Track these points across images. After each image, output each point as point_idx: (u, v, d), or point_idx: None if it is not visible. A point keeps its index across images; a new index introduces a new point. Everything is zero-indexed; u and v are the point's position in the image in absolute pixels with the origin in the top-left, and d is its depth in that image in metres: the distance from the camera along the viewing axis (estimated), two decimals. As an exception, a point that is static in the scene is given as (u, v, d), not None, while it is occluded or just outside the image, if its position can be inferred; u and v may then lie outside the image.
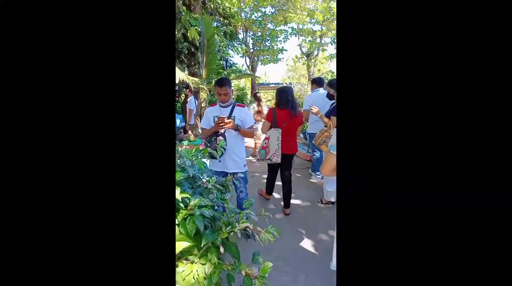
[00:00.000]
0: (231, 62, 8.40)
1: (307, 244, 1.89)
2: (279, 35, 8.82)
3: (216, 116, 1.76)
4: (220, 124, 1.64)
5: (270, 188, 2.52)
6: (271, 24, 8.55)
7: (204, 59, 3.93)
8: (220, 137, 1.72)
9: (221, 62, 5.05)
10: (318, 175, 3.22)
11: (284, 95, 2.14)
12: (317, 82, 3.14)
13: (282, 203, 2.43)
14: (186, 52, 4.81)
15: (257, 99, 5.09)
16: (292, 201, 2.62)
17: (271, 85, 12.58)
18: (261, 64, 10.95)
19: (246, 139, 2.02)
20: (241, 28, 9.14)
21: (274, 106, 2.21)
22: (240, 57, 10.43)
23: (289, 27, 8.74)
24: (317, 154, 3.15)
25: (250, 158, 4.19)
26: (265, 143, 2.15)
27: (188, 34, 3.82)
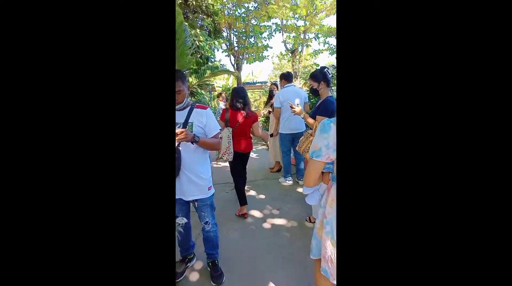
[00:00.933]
0: (212, 60, 7.95)
1: (290, 279, 1.50)
2: (264, 31, 8.43)
3: None
4: None
5: (241, 196, 2.33)
6: (255, 20, 8.14)
7: (176, 56, 3.39)
8: (172, 155, 1.30)
9: (196, 58, 4.48)
10: (289, 180, 3.08)
11: (237, 96, 2.15)
12: (286, 77, 2.95)
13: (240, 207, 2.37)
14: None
15: (222, 100, 4.81)
16: (276, 220, 2.23)
17: (257, 84, 12.17)
18: (246, 63, 10.53)
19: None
20: (225, 25, 8.71)
21: (228, 107, 2.23)
22: (226, 56, 9.98)
23: (273, 23, 8.38)
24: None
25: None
26: None
27: None
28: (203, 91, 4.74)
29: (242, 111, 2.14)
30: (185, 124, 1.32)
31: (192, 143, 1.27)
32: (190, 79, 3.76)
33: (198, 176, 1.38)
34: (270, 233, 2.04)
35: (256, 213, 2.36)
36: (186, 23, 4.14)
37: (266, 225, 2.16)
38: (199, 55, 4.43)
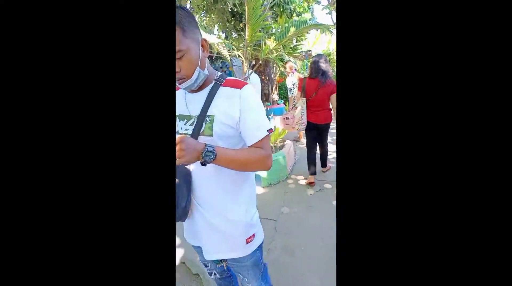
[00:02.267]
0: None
1: None
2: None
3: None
4: None
5: (311, 165, 2.35)
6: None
7: (246, 11, 2.33)
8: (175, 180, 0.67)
9: (284, 16, 3.47)
10: None
11: (315, 64, 2.11)
12: None
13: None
14: (238, 9, 3.51)
15: (290, 71, 3.73)
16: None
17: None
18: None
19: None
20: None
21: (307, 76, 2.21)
22: (327, 14, 8.35)
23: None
24: None
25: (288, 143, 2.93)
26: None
27: None
28: (291, 59, 3.77)
29: (319, 80, 2.07)
30: (200, 119, 0.64)
31: (202, 164, 0.59)
32: (268, 42, 2.89)
33: (225, 219, 0.71)
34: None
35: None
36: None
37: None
38: (288, 12, 3.46)
